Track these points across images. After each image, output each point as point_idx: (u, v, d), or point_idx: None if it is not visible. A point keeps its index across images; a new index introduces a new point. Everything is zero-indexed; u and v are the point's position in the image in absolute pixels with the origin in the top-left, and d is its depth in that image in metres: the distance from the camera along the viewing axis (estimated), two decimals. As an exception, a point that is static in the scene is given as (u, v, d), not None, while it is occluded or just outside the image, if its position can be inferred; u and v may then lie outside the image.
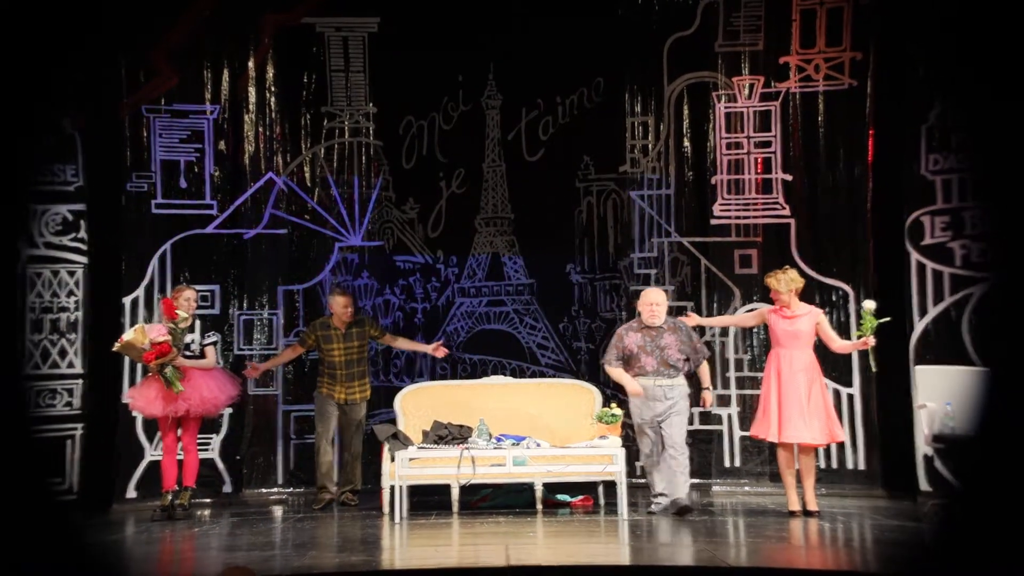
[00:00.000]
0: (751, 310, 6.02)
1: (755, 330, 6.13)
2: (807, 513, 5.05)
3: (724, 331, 6.16)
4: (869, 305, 5.09)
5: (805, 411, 4.99)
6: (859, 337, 5.07)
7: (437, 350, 5.81)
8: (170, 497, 5.30)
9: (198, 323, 5.48)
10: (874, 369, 5.34)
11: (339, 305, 5.71)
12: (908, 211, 5.66)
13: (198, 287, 6.00)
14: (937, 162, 5.62)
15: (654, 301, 5.23)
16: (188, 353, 5.36)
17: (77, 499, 5.53)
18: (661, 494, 5.18)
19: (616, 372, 5.28)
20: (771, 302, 5.24)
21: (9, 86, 5.33)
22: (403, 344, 6.10)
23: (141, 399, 5.37)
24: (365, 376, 5.83)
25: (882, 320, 5.05)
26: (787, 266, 5.35)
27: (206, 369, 5.39)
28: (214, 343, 5.47)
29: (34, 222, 5.61)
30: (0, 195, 5.44)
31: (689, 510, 5.04)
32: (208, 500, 5.90)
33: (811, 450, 5.11)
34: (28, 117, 5.53)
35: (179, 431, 5.37)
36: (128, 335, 5.16)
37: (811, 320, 5.15)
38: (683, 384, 5.24)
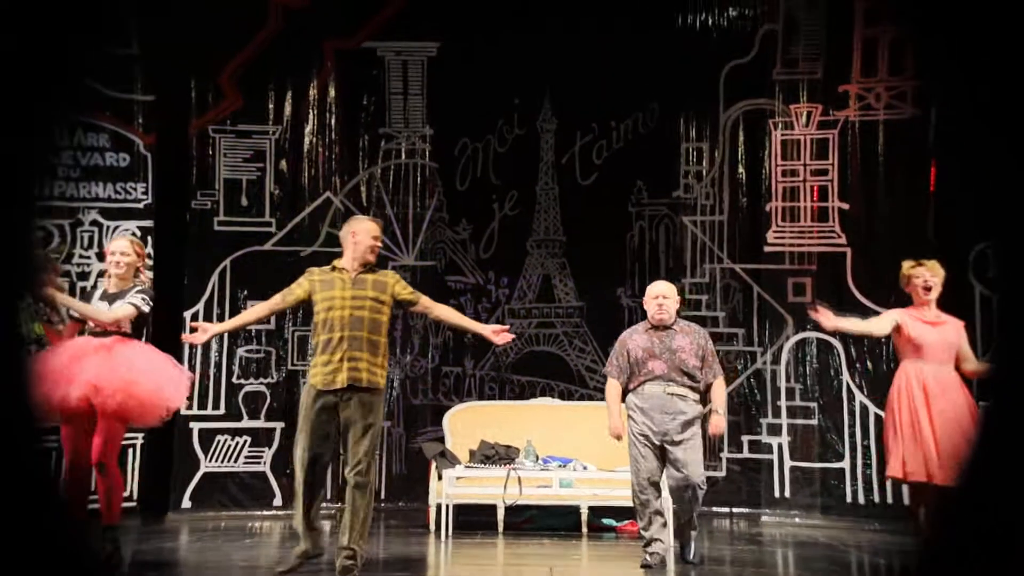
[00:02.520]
0: (803, 341, 5.87)
1: (807, 357, 6.00)
2: None
3: (776, 359, 6.03)
4: None
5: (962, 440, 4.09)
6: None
7: (498, 334, 4.02)
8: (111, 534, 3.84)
9: (136, 288, 4.00)
10: None
11: (365, 232, 3.90)
12: (973, 242, 5.55)
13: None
14: (1001, 194, 5.55)
15: (661, 293, 4.32)
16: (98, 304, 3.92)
17: (136, 506, 5.59)
18: (657, 539, 4.23)
19: (611, 394, 4.34)
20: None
21: (83, 106, 5.50)
22: (446, 314, 4.17)
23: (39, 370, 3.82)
24: (380, 353, 3.84)
25: None
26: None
27: (123, 344, 3.84)
28: (133, 304, 3.87)
29: (107, 238, 5.70)
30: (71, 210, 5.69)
31: (693, 564, 4.26)
32: (260, 513, 5.94)
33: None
34: (98, 134, 5.79)
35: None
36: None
37: (957, 330, 4.26)
38: (698, 404, 4.30)
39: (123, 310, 3.85)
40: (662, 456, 4.23)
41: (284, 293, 3.96)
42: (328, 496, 6.01)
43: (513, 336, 4.19)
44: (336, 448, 3.94)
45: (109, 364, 3.72)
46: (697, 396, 4.30)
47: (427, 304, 4.05)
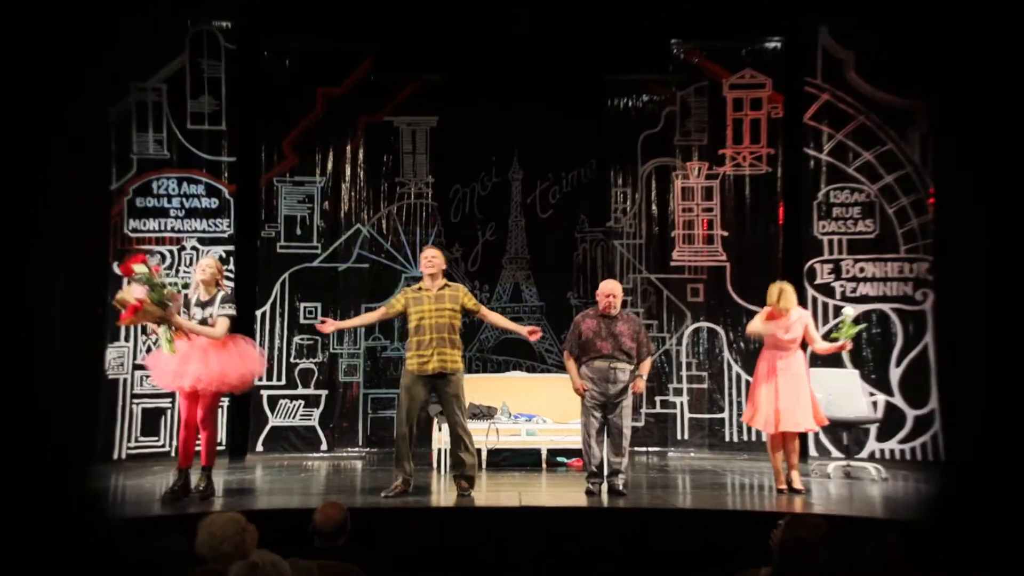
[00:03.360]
0: (697, 329, 6.22)
1: (699, 340, 6.28)
2: (792, 490, 4.46)
3: (679, 342, 6.25)
4: (849, 312, 4.62)
5: (798, 403, 4.43)
6: (835, 340, 4.55)
7: (533, 334, 4.41)
8: (177, 477, 4.06)
9: (221, 294, 4.13)
10: (850, 367, 5.18)
11: (423, 257, 4.38)
12: (806, 259, 5.99)
13: (307, 304, 6.18)
14: (824, 227, 6.04)
15: (611, 293, 4.37)
16: (202, 317, 4.03)
17: (225, 449, 5.75)
18: (595, 471, 4.38)
19: (570, 365, 4.43)
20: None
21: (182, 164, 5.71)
22: (497, 320, 4.59)
23: (153, 368, 4.18)
24: (457, 346, 4.29)
25: (859, 327, 4.74)
26: (782, 283, 4.60)
27: (217, 341, 3.98)
28: (227, 315, 4.03)
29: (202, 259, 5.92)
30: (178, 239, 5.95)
31: (623, 495, 4.32)
32: (312, 454, 6.02)
33: (796, 436, 4.55)
34: (197, 185, 6.08)
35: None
36: (120, 292, 4.04)
37: (801, 324, 4.50)
38: (633, 372, 4.41)
39: (223, 325, 4.03)
40: (604, 414, 4.36)
41: (387, 307, 4.43)
42: (360, 443, 6.20)
43: (541, 333, 4.52)
44: (425, 411, 4.39)
45: (208, 362, 3.98)
46: (631, 367, 4.39)
47: (484, 312, 4.49)
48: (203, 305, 4.10)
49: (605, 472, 4.47)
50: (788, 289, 4.55)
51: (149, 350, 5.31)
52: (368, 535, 2.86)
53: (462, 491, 4.33)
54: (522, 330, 4.49)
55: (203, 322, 4.05)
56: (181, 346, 3.95)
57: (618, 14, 5.99)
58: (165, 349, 3.93)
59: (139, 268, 3.88)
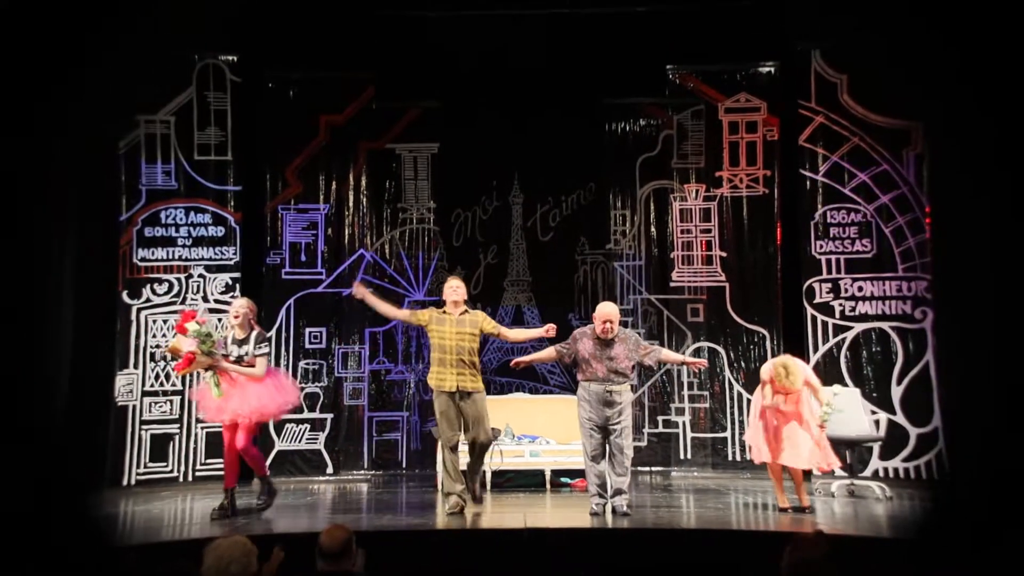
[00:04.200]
0: (698, 348, 6.22)
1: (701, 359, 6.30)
2: (799, 510, 4.42)
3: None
4: (829, 398, 4.52)
5: (801, 439, 4.40)
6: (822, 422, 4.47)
7: (549, 331, 4.47)
8: (224, 497, 4.46)
9: (255, 333, 4.51)
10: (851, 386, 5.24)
11: (448, 286, 4.64)
12: (804, 279, 6.01)
13: (312, 329, 6.26)
14: (821, 246, 6.07)
15: (608, 319, 4.33)
16: (239, 354, 4.44)
17: None
18: (599, 495, 4.40)
19: (547, 350, 4.52)
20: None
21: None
22: (518, 335, 4.76)
23: (201, 401, 4.63)
24: (477, 368, 4.52)
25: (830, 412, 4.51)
26: (784, 360, 4.53)
27: (258, 378, 4.43)
28: (264, 354, 4.49)
29: (209, 286, 6.06)
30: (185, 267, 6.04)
31: (626, 515, 4.32)
32: (317, 478, 6.05)
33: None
34: (204, 214, 6.18)
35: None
36: (172, 341, 4.56)
37: (807, 393, 4.49)
38: (629, 392, 4.46)
39: (262, 364, 4.50)
40: (605, 435, 4.38)
41: (412, 314, 4.70)
42: (366, 466, 6.16)
43: (555, 327, 4.54)
44: (462, 426, 4.54)
45: (247, 396, 4.44)
46: (629, 386, 4.39)
47: (503, 333, 4.67)
48: (239, 343, 4.50)
49: (609, 493, 4.48)
50: (792, 367, 4.43)
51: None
52: (373, 558, 2.84)
53: (455, 509, 4.48)
54: (539, 332, 4.58)
55: (239, 359, 4.49)
56: (225, 387, 4.43)
57: (615, 40, 6.10)
58: (214, 393, 4.41)
59: (192, 326, 4.38)
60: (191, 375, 5.28)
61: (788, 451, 4.46)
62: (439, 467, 5.31)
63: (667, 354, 4.78)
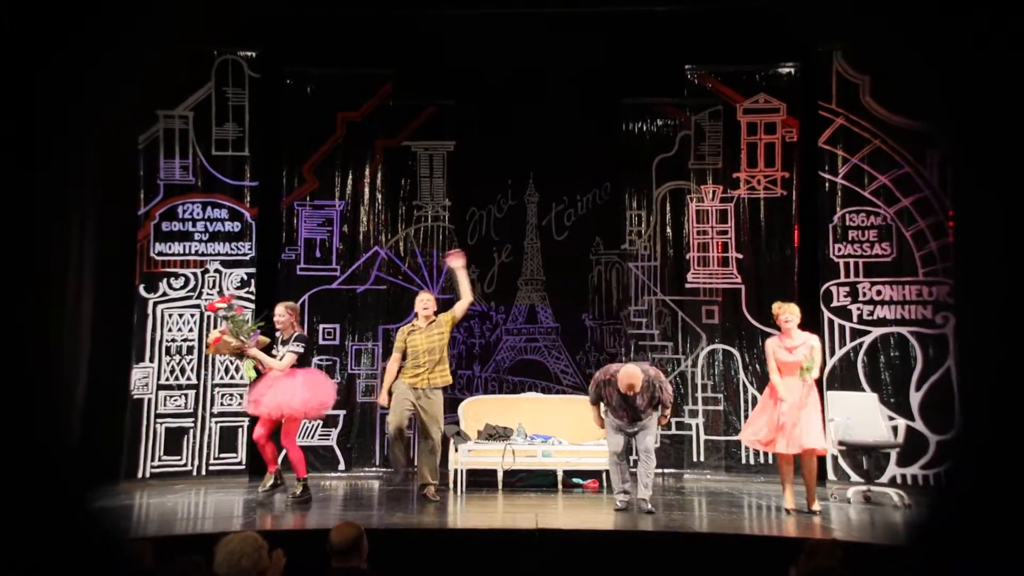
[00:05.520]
0: (713, 351, 6.22)
1: (715, 362, 6.25)
2: (809, 512, 4.48)
3: (694, 363, 6.22)
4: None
5: (804, 422, 4.45)
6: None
7: (449, 257, 5.19)
8: (267, 478, 4.80)
9: (296, 334, 4.79)
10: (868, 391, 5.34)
11: (420, 300, 5.15)
12: (822, 282, 5.95)
13: (326, 325, 6.26)
14: (840, 249, 6.01)
15: (631, 386, 4.49)
16: (274, 354, 4.74)
17: (245, 468, 5.88)
18: (623, 491, 4.64)
19: (594, 411, 4.80)
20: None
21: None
22: (464, 296, 5.15)
23: (249, 392, 4.86)
24: (445, 364, 5.05)
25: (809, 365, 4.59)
26: (789, 301, 4.80)
27: (289, 375, 4.65)
28: (292, 351, 4.70)
29: (224, 281, 6.07)
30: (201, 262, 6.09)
31: (651, 513, 4.50)
32: (330, 474, 6.06)
33: (813, 455, 4.56)
34: (220, 209, 6.22)
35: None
36: (214, 331, 4.90)
37: (806, 348, 4.60)
38: (653, 416, 4.69)
39: (288, 360, 4.74)
40: (630, 436, 4.63)
41: (397, 352, 5.11)
42: (377, 463, 6.19)
43: (459, 254, 5.21)
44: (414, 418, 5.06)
45: (283, 391, 4.67)
46: (652, 412, 4.64)
47: (456, 312, 5.14)
48: (285, 343, 4.84)
49: (634, 490, 4.64)
50: (790, 304, 4.73)
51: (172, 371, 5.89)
52: (384, 556, 2.87)
53: (431, 498, 4.92)
54: (464, 280, 5.15)
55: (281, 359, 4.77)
56: (255, 374, 4.75)
57: (633, 39, 6.07)
58: (248, 375, 4.75)
59: (221, 306, 4.79)
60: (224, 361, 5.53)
61: (802, 437, 4.46)
62: (451, 464, 5.45)
63: (668, 409, 4.80)
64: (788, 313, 4.69)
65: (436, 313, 5.18)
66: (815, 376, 4.64)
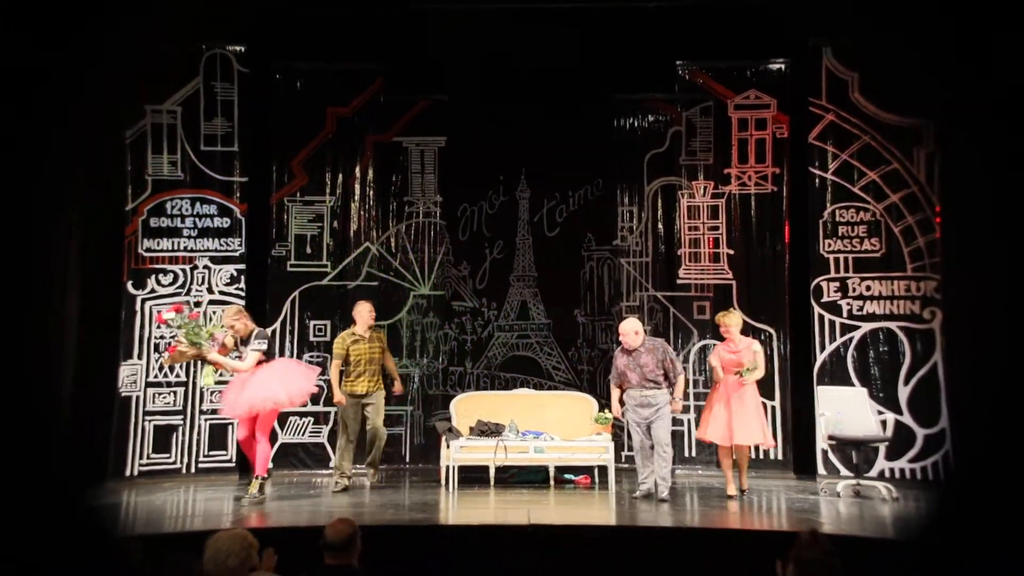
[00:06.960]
0: (704, 347, 6.22)
1: (706, 358, 6.18)
2: (741, 492, 5.12)
3: (685, 359, 6.22)
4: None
5: (746, 419, 4.96)
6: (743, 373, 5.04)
7: (397, 389, 5.56)
8: (256, 486, 4.79)
9: (256, 331, 4.88)
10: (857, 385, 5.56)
11: (366, 310, 5.36)
12: (812, 278, 5.98)
13: (316, 322, 6.22)
14: (830, 245, 6.03)
15: (624, 332, 5.04)
16: (239, 354, 4.80)
17: (235, 466, 5.85)
18: (643, 482, 5.00)
19: (612, 392, 5.21)
20: (721, 338, 5.27)
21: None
22: (389, 364, 5.53)
23: (222, 398, 4.97)
24: (380, 372, 5.40)
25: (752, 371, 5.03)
26: (731, 308, 5.46)
27: (252, 373, 4.69)
28: (255, 350, 4.78)
29: (214, 277, 6.04)
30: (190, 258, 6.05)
31: (664, 501, 4.84)
32: (320, 471, 6.03)
33: (746, 447, 5.18)
34: (209, 205, 6.18)
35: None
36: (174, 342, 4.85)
37: (748, 352, 5.09)
38: (665, 394, 5.00)
39: (252, 359, 4.80)
40: (648, 431, 5.00)
41: (339, 359, 5.32)
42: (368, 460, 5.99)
43: (402, 391, 5.76)
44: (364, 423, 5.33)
45: (254, 388, 4.71)
46: (662, 388, 4.98)
47: (386, 355, 5.52)
48: (244, 342, 4.91)
49: (651, 480, 5.01)
50: (733, 311, 5.32)
51: (161, 368, 5.93)
52: (377, 552, 2.88)
53: (339, 488, 5.21)
54: (396, 383, 5.62)
55: (240, 358, 4.83)
56: (220, 376, 4.89)
57: (625, 35, 6.07)
58: (207, 381, 4.85)
59: (168, 316, 4.77)
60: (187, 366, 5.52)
61: (740, 432, 5.00)
62: (442, 461, 5.53)
63: (679, 385, 5.11)
64: (729, 321, 5.15)
65: (376, 329, 5.51)
66: (758, 377, 5.07)
